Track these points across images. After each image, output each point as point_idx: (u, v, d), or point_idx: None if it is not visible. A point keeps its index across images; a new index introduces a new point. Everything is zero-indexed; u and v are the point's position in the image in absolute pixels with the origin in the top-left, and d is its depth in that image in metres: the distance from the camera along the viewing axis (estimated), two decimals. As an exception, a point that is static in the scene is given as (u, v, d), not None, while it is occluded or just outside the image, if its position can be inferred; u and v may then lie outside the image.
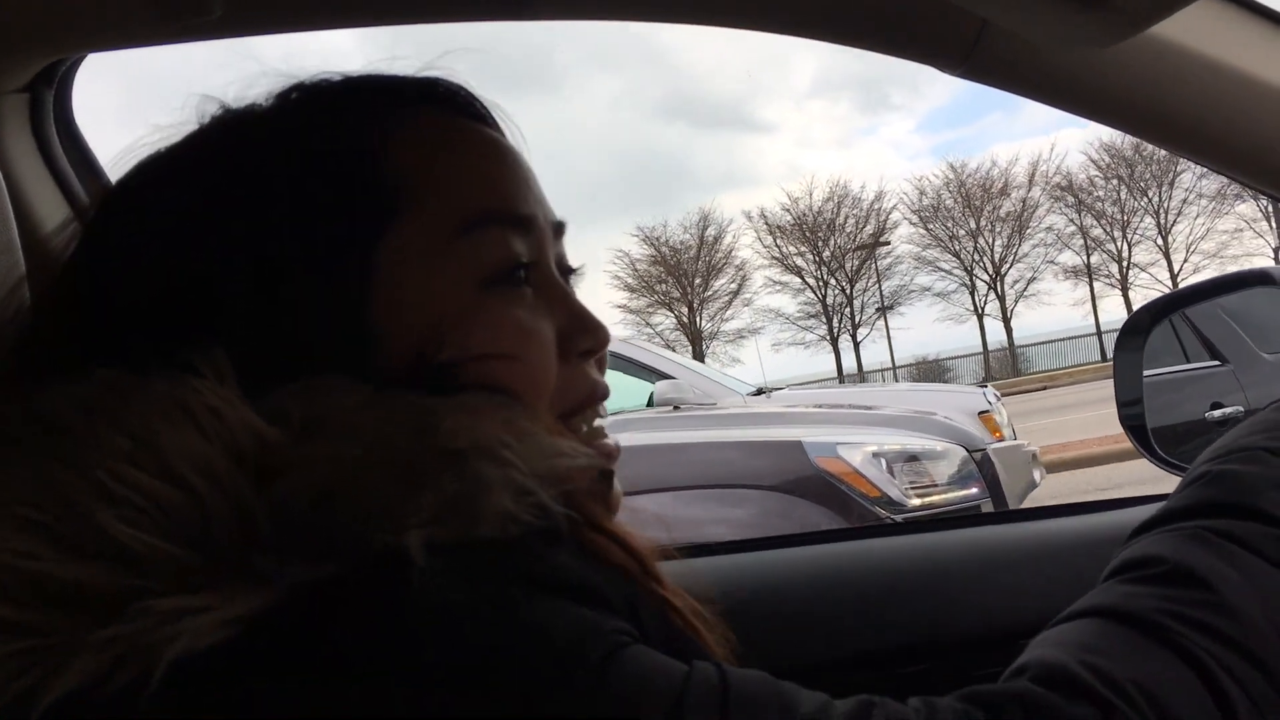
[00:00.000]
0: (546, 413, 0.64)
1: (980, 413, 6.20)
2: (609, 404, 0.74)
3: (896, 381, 39.54)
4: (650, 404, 5.45)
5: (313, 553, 0.48)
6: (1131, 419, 1.41)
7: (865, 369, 43.59)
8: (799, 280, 44.54)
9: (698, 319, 44.35)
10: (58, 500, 0.48)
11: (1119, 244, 41.27)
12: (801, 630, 1.15)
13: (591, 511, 0.58)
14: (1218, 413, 1.51)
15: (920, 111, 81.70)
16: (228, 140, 0.66)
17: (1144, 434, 1.39)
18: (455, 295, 0.63)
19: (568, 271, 0.74)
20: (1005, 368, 41.03)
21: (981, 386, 7.18)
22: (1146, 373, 1.39)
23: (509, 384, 0.62)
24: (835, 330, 44.11)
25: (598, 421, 0.72)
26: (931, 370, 41.34)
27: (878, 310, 43.13)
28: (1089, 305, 42.53)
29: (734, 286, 44.92)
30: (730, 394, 5.80)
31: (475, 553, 0.49)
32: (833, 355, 43.98)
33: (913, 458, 4.43)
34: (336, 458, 0.51)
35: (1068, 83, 0.98)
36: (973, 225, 42.94)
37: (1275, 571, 0.58)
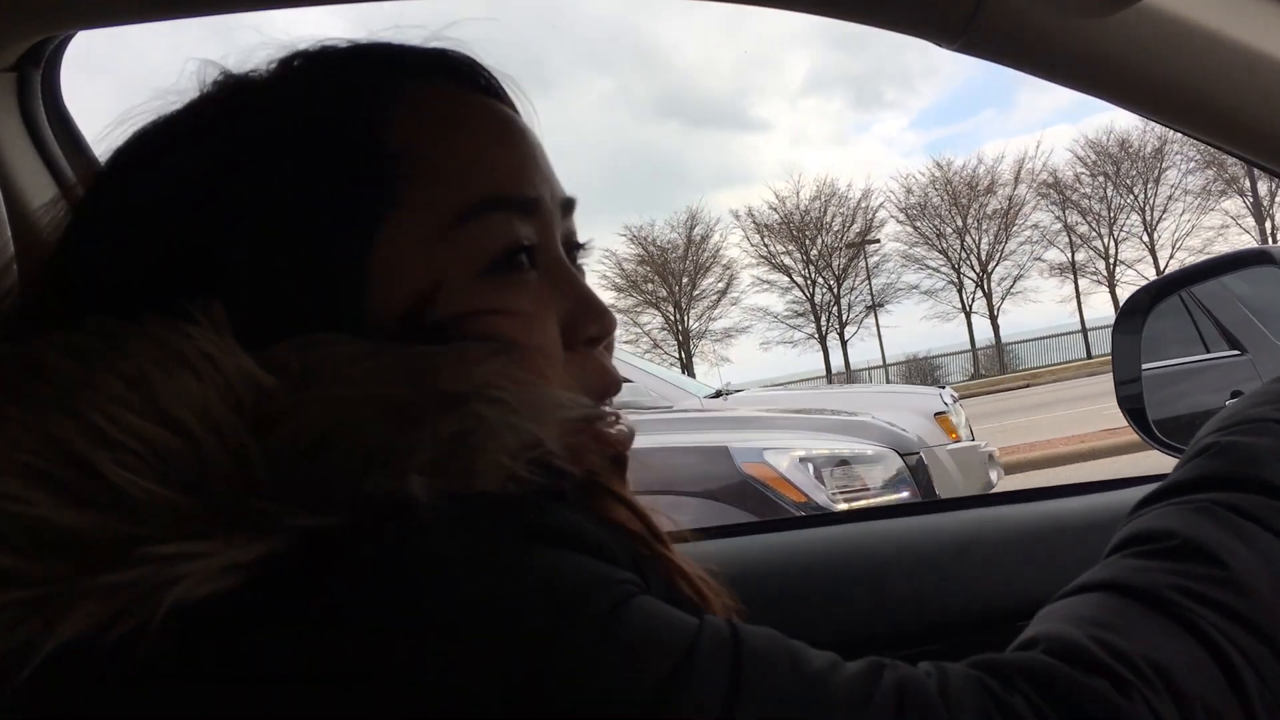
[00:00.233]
0: (547, 363, 0.63)
1: (936, 414, 6.26)
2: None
3: (887, 380, 39.79)
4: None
5: (312, 499, 0.47)
6: (1129, 400, 1.40)
7: (856, 367, 43.84)
8: (786, 279, 44.76)
9: (685, 318, 44.42)
10: (53, 446, 0.48)
11: (1106, 240, 41.53)
12: (807, 611, 1.15)
13: (597, 470, 0.57)
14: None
15: (914, 108, 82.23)
16: (229, 106, 0.65)
17: (1142, 416, 1.39)
18: (454, 281, 0.61)
19: (576, 248, 0.73)
20: (994, 365, 41.21)
21: (940, 387, 7.24)
22: (1166, 362, 1.39)
23: None
24: (823, 329, 44.25)
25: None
26: (922, 368, 41.58)
27: (867, 308, 43.31)
28: (1076, 302, 42.82)
29: (721, 285, 45.14)
30: (688, 396, 5.78)
31: (477, 503, 0.49)
32: (821, 353, 44.20)
33: (843, 462, 4.43)
34: (334, 401, 0.50)
35: (1066, 56, 0.97)
36: (959, 223, 43.14)
37: None
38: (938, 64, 74.84)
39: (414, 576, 0.45)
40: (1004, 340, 43.19)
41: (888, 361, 41.85)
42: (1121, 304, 1.44)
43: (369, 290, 0.60)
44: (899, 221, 44.23)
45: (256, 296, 0.58)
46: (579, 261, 0.73)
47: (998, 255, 43.06)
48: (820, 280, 44.35)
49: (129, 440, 0.48)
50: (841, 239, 44.13)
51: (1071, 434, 12.28)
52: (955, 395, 6.90)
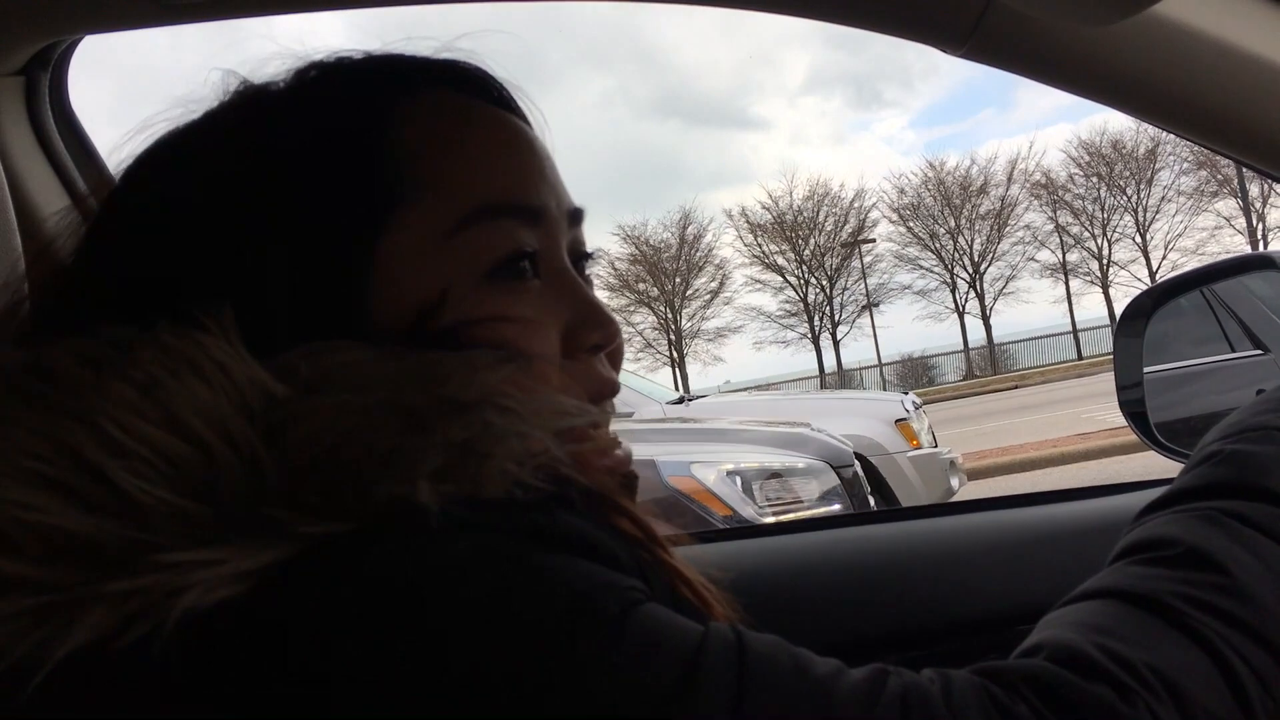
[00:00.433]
0: (553, 371, 0.63)
1: (897, 420, 6.33)
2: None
3: (883, 380, 39.78)
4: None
5: (323, 506, 0.48)
6: (1131, 405, 1.40)
7: (850, 367, 43.80)
8: (779, 278, 44.69)
9: (678, 318, 44.36)
10: (65, 453, 0.48)
11: (1099, 241, 41.48)
12: (811, 615, 1.15)
13: (599, 480, 0.57)
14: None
15: (914, 107, 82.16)
16: (247, 115, 0.66)
17: (1143, 419, 1.39)
18: (455, 288, 0.61)
19: (584, 258, 0.73)
20: (987, 365, 41.20)
21: (904, 393, 7.28)
22: (1189, 361, 1.38)
23: None
24: (816, 329, 44.21)
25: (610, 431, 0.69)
26: (917, 367, 41.68)
27: (862, 307, 43.29)
28: (1068, 303, 42.81)
29: (714, 285, 45.06)
30: (650, 403, 5.78)
31: (486, 510, 0.49)
32: (814, 353, 44.16)
33: (774, 475, 4.43)
34: (344, 407, 0.51)
35: (1071, 63, 0.97)
36: (952, 224, 43.09)
37: None
38: (937, 63, 74.98)
39: (423, 581, 0.46)
40: (997, 340, 43.20)
41: (883, 361, 41.92)
42: (1124, 307, 1.44)
43: (373, 295, 0.60)
44: (892, 222, 44.25)
45: (267, 304, 0.59)
46: (586, 271, 0.73)
47: (990, 256, 43.06)
48: (813, 280, 44.32)
49: (140, 448, 0.48)
50: (834, 239, 44.08)
51: (1045, 438, 12.34)
52: (918, 401, 6.96)
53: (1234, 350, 1.61)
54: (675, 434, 4.94)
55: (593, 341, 0.68)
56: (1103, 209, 41.13)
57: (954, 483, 6.37)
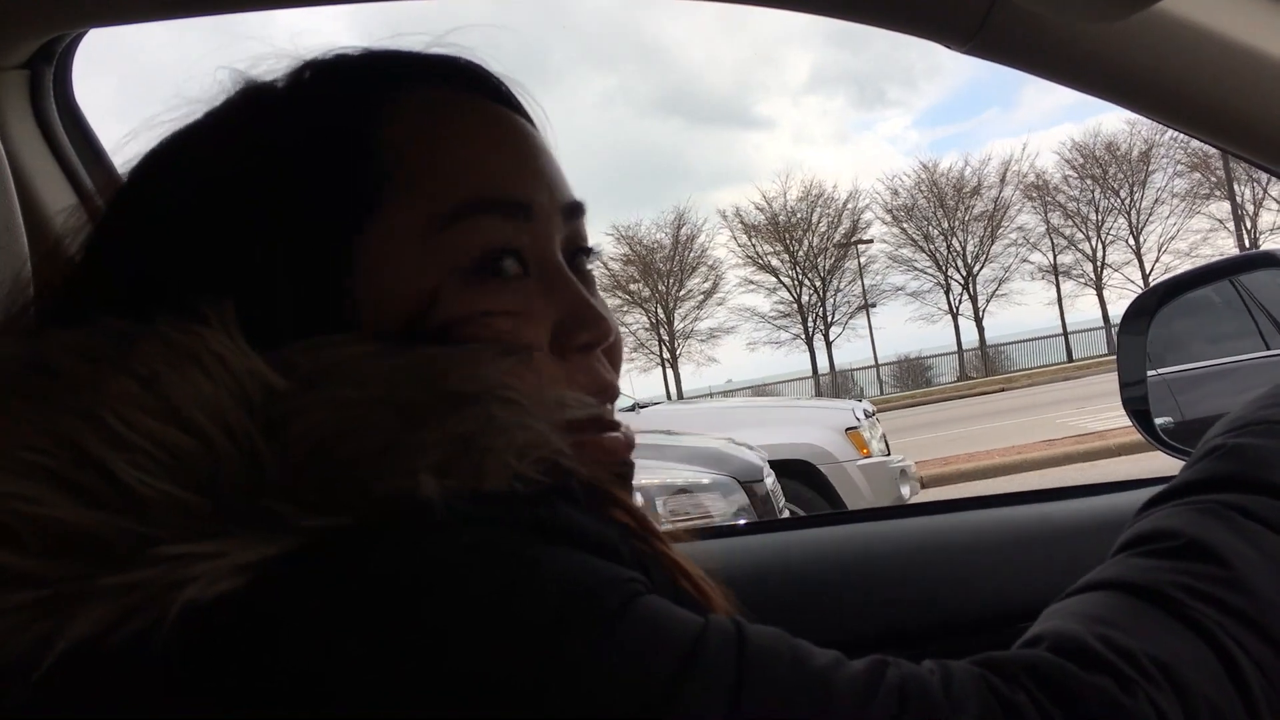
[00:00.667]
0: (549, 364, 0.63)
1: (848, 429, 6.42)
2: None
3: (880, 380, 39.82)
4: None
5: (323, 498, 0.47)
6: (1134, 402, 1.40)
7: (849, 367, 43.87)
8: (773, 279, 44.72)
9: (671, 318, 44.36)
10: (65, 446, 0.48)
11: (1094, 243, 41.55)
12: (812, 611, 1.15)
13: (597, 475, 0.57)
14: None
15: (917, 107, 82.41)
16: (246, 114, 0.66)
17: (1146, 418, 1.39)
18: (438, 286, 0.61)
19: (583, 253, 0.72)
20: (982, 366, 41.26)
21: (858, 400, 7.34)
22: (1226, 359, 1.37)
23: None
24: (810, 329, 44.24)
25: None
26: (913, 368, 41.85)
27: (859, 308, 43.33)
28: (1066, 304, 42.97)
29: (707, 286, 45.10)
30: None
31: (488, 503, 0.49)
32: (807, 354, 44.23)
33: (680, 490, 4.48)
34: (344, 401, 0.51)
35: (1076, 59, 0.97)
36: (946, 225, 43.13)
37: None
38: (941, 63, 74.99)
39: (424, 577, 0.46)
40: (992, 342, 43.34)
41: (880, 361, 42.01)
42: (1127, 305, 1.44)
43: (359, 293, 0.61)
44: (885, 223, 44.29)
45: (263, 300, 0.59)
46: (586, 267, 0.72)
47: (984, 258, 43.11)
48: (806, 281, 44.35)
49: (142, 441, 0.48)
50: (828, 240, 44.12)
51: (1014, 444, 12.49)
52: (870, 410, 7.04)
53: (1268, 345, 1.60)
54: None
55: (582, 340, 0.66)
56: (1097, 210, 41.22)
57: (904, 491, 6.47)
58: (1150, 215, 40.39)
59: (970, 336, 43.16)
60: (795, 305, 44.58)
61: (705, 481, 4.59)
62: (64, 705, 0.47)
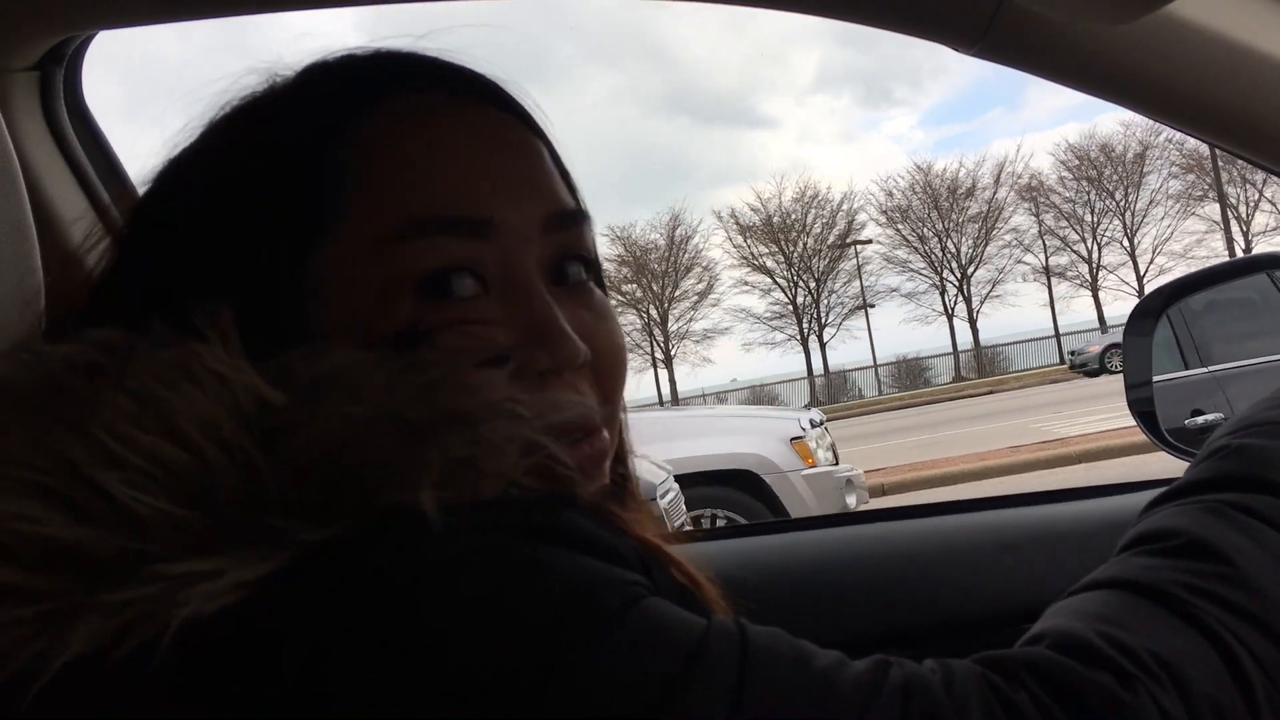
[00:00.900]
0: (532, 370, 0.62)
1: (792, 439, 6.44)
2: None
3: (878, 381, 39.81)
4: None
5: (321, 513, 0.48)
6: (1140, 403, 1.40)
7: (847, 368, 43.86)
8: (768, 280, 44.74)
9: (665, 319, 44.32)
10: (60, 463, 0.48)
11: (1089, 245, 41.58)
12: (814, 613, 1.16)
13: (590, 483, 0.58)
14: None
15: (923, 106, 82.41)
16: (231, 129, 0.67)
17: (1152, 419, 1.39)
18: (386, 306, 0.60)
19: (579, 263, 0.69)
20: (975, 368, 41.31)
21: (807, 409, 7.34)
22: (1257, 359, 1.35)
23: None
24: (805, 331, 44.25)
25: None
26: (911, 369, 41.96)
27: (855, 308, 43.34)
28: (1061, 305, 43.04)
29: (701, 287, 45.08)
30: None
31: (486, 509, 0.49)
32: (802, 354, 44.27)
33: None
34: (343, 417, 0.50)
35: (1083, 62, 0.98)
36: (940, 227, 43.15)
37: None
38: (946, 62, 75.06)
39: (422, 579, 0.46)
40: (987, 343, 43.33)
41: (879, 362, 42.05)
42: (1133, 306, 1.44)
43: (313, 307, 0.60)
44: (880, 224, 44.29)
45: (245, 309, 0.57)
46: (582, 278, 0.69)
47: (978, 259, 43.12)
48: (801, 282, 44.35)
49: (137, 458, 0.48)
50: (822, 241, 44.12)
51: (969, 451, 12.64)
52: (820, 418, 7.03)
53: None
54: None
55: (542, 365, 0.62)
56: (1092, 212, 41.25)
57: (850, 500, 6.49)
58: (1145, 217, 40.49)
59: (966, 338, 43.25)
60: (790, 307, 44.60)
61: None
62: (67, 718, 0.47)
